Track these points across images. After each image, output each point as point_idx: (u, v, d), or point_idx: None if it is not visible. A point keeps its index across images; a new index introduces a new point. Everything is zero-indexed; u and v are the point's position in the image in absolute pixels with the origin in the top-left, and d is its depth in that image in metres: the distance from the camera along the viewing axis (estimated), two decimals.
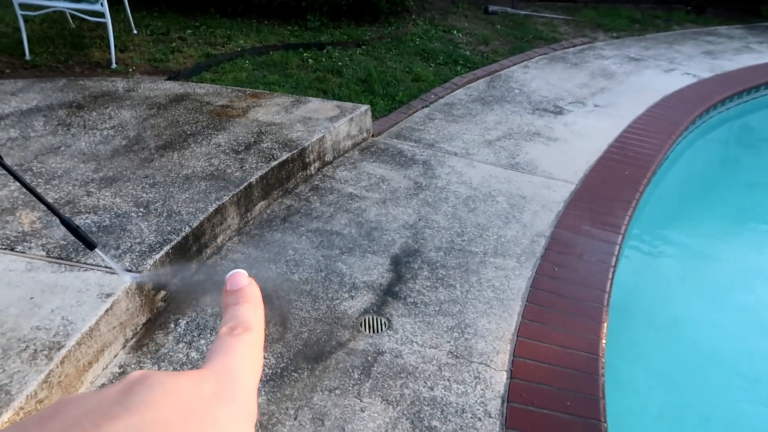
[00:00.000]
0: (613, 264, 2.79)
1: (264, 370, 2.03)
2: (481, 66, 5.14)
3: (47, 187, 2.63)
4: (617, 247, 2.92)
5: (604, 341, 2.32)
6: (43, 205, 1.87)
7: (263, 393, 1.94)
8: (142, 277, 2.13)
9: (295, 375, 2.02)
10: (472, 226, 2.94)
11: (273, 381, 1.99)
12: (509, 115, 4.27)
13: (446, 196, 3.19)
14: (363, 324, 2.27)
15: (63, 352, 1.76)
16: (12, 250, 2.19)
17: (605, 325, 2.41)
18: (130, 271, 2.12)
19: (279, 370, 2.03)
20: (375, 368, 2.07)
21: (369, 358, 2.12)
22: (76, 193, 2.59)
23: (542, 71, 5.21)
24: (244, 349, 0.30)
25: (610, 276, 2.71)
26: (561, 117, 4.29)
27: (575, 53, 5.77)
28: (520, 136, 3.95)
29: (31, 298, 1.96)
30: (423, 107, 4.28)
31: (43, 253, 2.17)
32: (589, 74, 5.20)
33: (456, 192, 3.23)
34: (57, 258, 2.15)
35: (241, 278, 0.34)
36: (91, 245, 1.98)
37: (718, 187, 4.33)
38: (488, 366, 2.12)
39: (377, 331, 2.24)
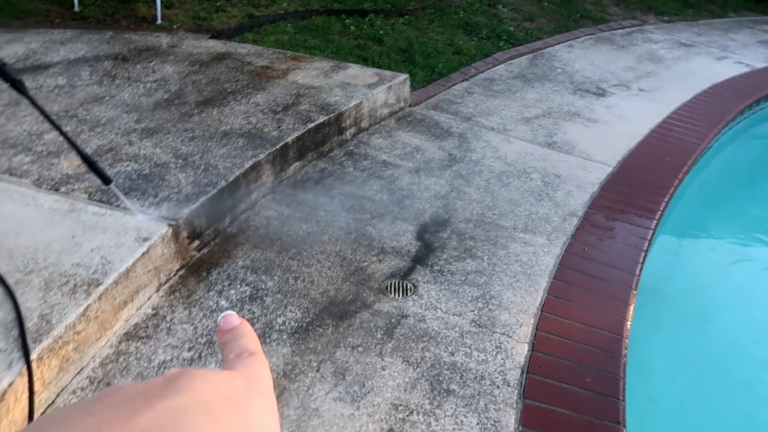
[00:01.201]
0: (644, 248, 2.75)
1: (289, 324, 2.08)
2: (524, 43, 5.05)
3: (91, 134, 2.71)
4: (650, 232, 2.87)
5: (629, 323, 2.31)
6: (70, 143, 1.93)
7: (288, 344, 1.99)
8: (154, 218, 2.17)
9: (320, 330, 2.07)
10: (503, 200, 2.92)
11: (298, 334, 2.04)
12: (550, 94, 4.20)
13: (480, 169, 3.17)
14: (389, 287, 2.30)
15: (101, 289, 1.83)
16: (56, 191, 2.27)
17: (632, 307, 2.39)
18: (166, 218, 2.18)
19: (304, 324, 2.08)
20: (398, 330, 2.10)
21: (393, 320, 2.15)
22: (118, 142, 2.66)
23: (587, 52, 5.09)
24: (256, 366, 0.32)
25: (641, 260, 2.68)
26: (603, 99, 4.20)
27: (623, 35, 5.61)
28: (559, 116, 3.88)
29: (73, 237, 2.03)
30: (462, 80, 4.24)
31: (85, 196, 2.25)
32: (636, 57, 5.06)
33: (490, 166, 3.21)
34: (98, 201, 2.22)
35: (233, 319, 0.35)
36: (107, 180, 2.10)
37: (761, 181, 4.20)
38: (510, 337, 2.13)
39: (402, 296, 2.27)
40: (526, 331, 2.17)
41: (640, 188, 3.20)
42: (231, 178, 2.47)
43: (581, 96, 4.20)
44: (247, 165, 2.58)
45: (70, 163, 2.43)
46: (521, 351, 2.09)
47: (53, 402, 1.69)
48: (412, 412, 1.81)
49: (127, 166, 2.48)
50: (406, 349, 2.03)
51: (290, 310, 2.13)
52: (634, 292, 2.48)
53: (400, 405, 1.83)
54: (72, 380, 1.76)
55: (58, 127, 2.09)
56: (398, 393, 1.87)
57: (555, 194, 3.02)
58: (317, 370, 1.91)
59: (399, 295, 2.27)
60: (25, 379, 1.57)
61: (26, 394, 1.58)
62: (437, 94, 4.00)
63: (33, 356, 1.59)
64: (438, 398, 1.87)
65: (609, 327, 2.26)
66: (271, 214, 2.63)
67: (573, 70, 4.64)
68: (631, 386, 2.08)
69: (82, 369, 1.80)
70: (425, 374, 1.95)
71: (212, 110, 3.03)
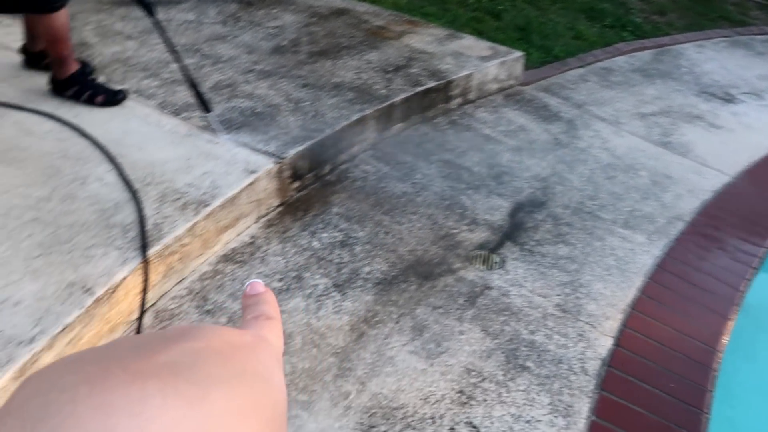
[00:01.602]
0: (754, 266, 2.57)
1: (375, 275, 2.12)
2: (650, 36, 4.77)
3: (212, 69, 2.84)
4: (763, 250, 2.67)
5: (725, 338, 2.17)
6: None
7: (371, 292, 2.03)
8: (246, 143, 2.26)
9: (403, 285, 2.09)
10: (606, 193, 2.81)
11: (381, 285, 2.07)
12: (671, 93, 3.96)
13: (585, 158, 3.06)
14: (476, 258, 2.28)
15: (208, 209, 1.94)
16: (177, 115, 2.41)
17: (731, 323, 2.25)
18: (274, 155, 2.26)
19: (389, 278, 2.11)
20: (480, 300, 2.09)
21: (476, 289, 2.13)
22: (236, 79, 2.78)
23: (719, 54, 4.74)
24: (269, 328, 0.33)
25: (748, 277, 2.50)
26: (730, 105, 3.91)
27: (763, 41, 5.18)
28: (678, 116, 3.66)
29: (187, 159, 2.15)
30: (578, 66, 4.08)
31: (203, 124, 2.37)
32: None
33: (596, 156, 3.09)
34: (213, 131, 2.33)
35: (259, 286, 0.37)
36: (207, 109, 2.25)
37: None
38: (594, 328, 2.07)
39: (489, 268, 2.25)
40: (612, 325, 2.10)
41: (758, 202, 2.98)
42: (337, 128, 2.52)
43: (706, 99, 3.94)
44: (354, 118, 2.62)
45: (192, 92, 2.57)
46: (604, 344, 2.02)
47: (154, 304, 1.81)
48: (484, 379, 1.80)
49: (242, 102, 2.59)
50: (486, 320, 2.02)
51: (377, 262, 2.17)
52: (736, 308, 2.32)
53: (473, 370, 1.83)
54: (173, 288, 1.88)
55: (173, 50, 2.21)
56: (473, 359, 1.87)
57: (663, 195, 2.87)
58: (396, 322, 1.94)
59: (485, 267, 2.25)
60: (136, 276, 1.69)
61: (134, 291, 1.71)
62: (550, 76, 3.87)
63: (139, 261, 1.71)
64: (512, 372, 1.85)
65: (703, 338, 2.14)
66: (370, 169, 2.67)
67: (701, 72, 4.34)
68: (714, 407, 1.96)
69: (182, 279, 1.92)
70: (502, 347, 1.93)
71: (326, 62, 3.09)
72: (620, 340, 2.05)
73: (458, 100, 3.29)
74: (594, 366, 1.93)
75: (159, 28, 2.17)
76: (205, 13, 3.42)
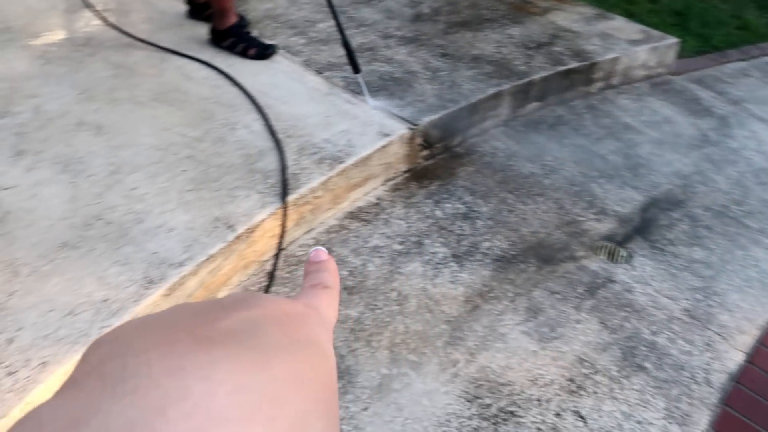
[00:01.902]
0: None
1: (494, 251, 2.10)
2: None
3: (355, 31, 2.90)
4: None
5: None
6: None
7: (489, 268, 2.02)
8: (382, 109, 2.29)
9: (522, 266, 2.06)
10: (756, 199, 2.57)
11: (500, 263, 2.06)
12: None
13: (736, 159, 2.81)
14: (601, 249, 2.19)
15: (341, 166, 2.01)
16: (320, 74, 2.50)
17: None
18: (408, 121, 2.29)
19: (508, 256, 2.09)
20: (601, 292, 2.02)
21: (598, 280, 2.06)
22: (377, 43, 2.83)
23: None
24: (324, 298, 0.33)
25: None
26: None
27: None
28: None
29: (327, 117, 2.24)
30: (740, 59, 3.72)
31: (343, 85, 2.44)
32: None
33: (749, 159, 2.83)
34: (352, 92, 2.40)
35: (322, 254, 0.37)
36: (357, 70, 2.32)
37: None
38: (725, 340, 1.93)
39: (614, 261, 2.15)
40: (746, 340, 1.94)
41: None
42: (472, 101, 2.50)
43: None
44: (490, 92, 2.58)
45: (336, 53, 2.65)
46: (734, 358, 1.88)
47: (284, 248, 1.93)
48: (597, 372, 1.75)
49: (381, 66, 2.64)
50: (605, 312, 1.95)
51: (498, 239, 2.15)
52: None
53: (586, 361, 1.78)
54: (301, 236, 1.99)
55: (333, 11, 2.28)
56: (587, 349, 1.81)
57: None
58: (511, 301, 1.93)
59: (610, 259, 2.16)
60: (272, 220, 1.81)
61: (269, 233, 1.82)
62: (705, 68, 3.57)
63: (278, 206, 1.82)
64: (627, 369, 1.78)
65: None
66: (499, 145, 2.63)
67: None
68: None
69: (310, 230, 2.03)
70: (620, 342, 1.85)
71: (466, 33, 3.06)
72: (753, 357, 1.90)
73: (600, 84, 3.13)
74: (720, 379, 1.81)
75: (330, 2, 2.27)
76: None
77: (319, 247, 0.38)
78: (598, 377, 1.74)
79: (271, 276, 1.81)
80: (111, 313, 1.42)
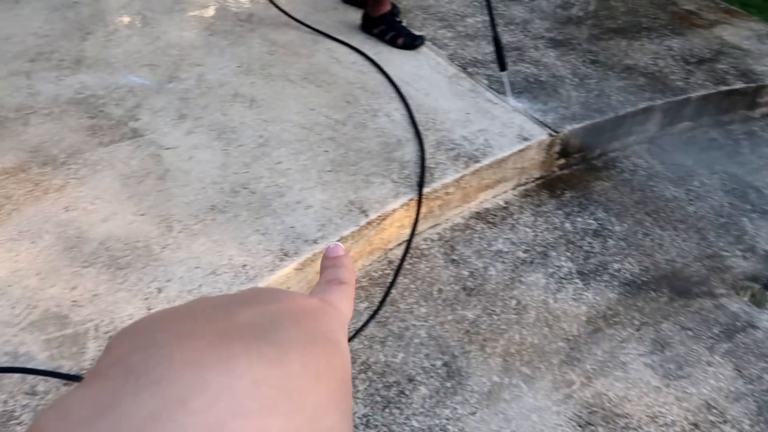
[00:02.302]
0: None
1: (624, 274, 2.00)
2: None
3: (504, 29, 2.85)
4: None
5: None
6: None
7: (616, 291, 1.93)
8: (525, 110, 2.22)
9: (653, 294, 1.94)
10: None
11: (629, 287, 1.95)
12: None
13: None
14: (745, 290, 2.01)
15: (477, 165, 2.00)
16: (464, 69, 2.48)
17: None
18: (549, 127, 2.22)
19: (639, 282, 1.97)
20: (739, 336, 1.86)
21: (737, 323, 1.89)
22: (525, 43, 2.76)
23: None
24: (338, 292, 0.33)
25: None
26: None
27: None
28: None
29: (467, 113, 2.22)
30: None
31: (485, 82, 2.41)
32: None
33: None
34: (495, 91, 2.36)
35: (339, 250, 0.37)
36: (503, 67, 2.27)
37: None
38: None
39: (758, 305, 1.97)
40: None
41: None
42: (620, 113, 2.37)
43: None
44: (640, 106, 2.44)
45: (483, 50, 2.62)
46: None
47: (409, 240, 1.95)
48: (726, 422, 1.62)
49: (527, 68, 2.57)
50: (742, 359, 1.79)
51: (629, 262, 2.04)
52: None
53: (715, 408, 1.65)
54: (427, 230, 2.00)
55: (489, 5, 2.25)
56: (716, 395, 1.68)
57: None
58: (637, 329, 1.82)
59: (753, 303, 1.98)
60: (403, 211, 1.83)
61: (398, 223, 1.85)
62: None
63: (411, 197, 1.84)
64: (762, 425, 1.63)
65: None
66: (642, 163, 2.48)
67: None
68: None
69: (436, 225, 2.03)
70: (756, 394, 1.70)
71: (621, 40, 2.90)
72: None
73: (764, 110, 2.86)
74: None
75: None
76: None
77: (336, 243, 0.38)
78: (726, 428, 1.61)
79: (399, 266, 1.84)
80: (248, 278, 1.52)
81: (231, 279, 1.51)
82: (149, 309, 1.41)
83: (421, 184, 1.85)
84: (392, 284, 1.80)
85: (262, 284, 1.51)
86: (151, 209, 1.68)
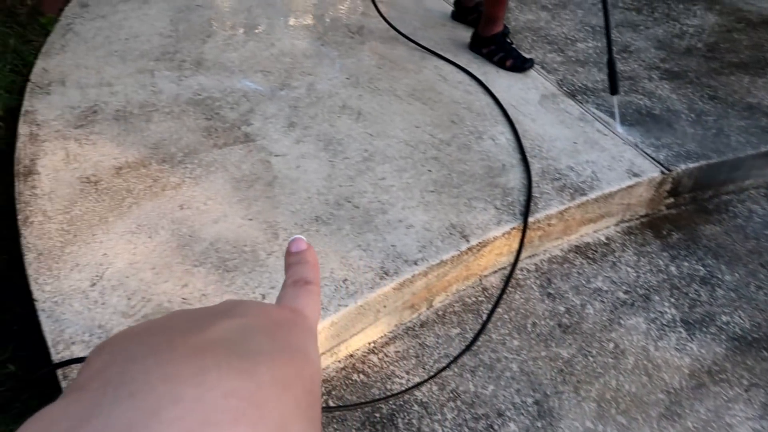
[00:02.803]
0: None
1: (733, 328, 1.87)
2: None
3: (616, 57, 2.73)
4: None
5: None
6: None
7: (723, 345, 1.81)
8: (635, 143, 2.11)
9: (765, 353, 1.81)
10: None
11: (738, 342, 1.82)
12: None
13: None
14: None
15: (582, 198, 1.93)
16: (572, 96, 2.42)
17: None
18: (661, 164, 2.12)
19: (749, 338, 1.84)
20: None
21: None
22: (639, 73, 2.65)
23: None
24: (306, 297, 0.34)
25: None
26: None
27: None
28: None
29: (574, 143, 2.16)
30: None
31: (596, 111, 2.34)
32: None
33: None
34: (605, 122, 2.28)
35: (302, 243, 0.38)
36: (614, 90, 2.22)
37: None
38: None
39: None
40: None
41: None
42: (740, 155, 2.23)
43: None
44: (762, 149, 2.29)
45: (593, 78, 2.54)
46: None
47: (504, 268, 1.91)
48: None
49: (640, 99, 2.47)
50: None
51: (739, 315, 1.91)
52: None
53: None
54: (523, 260, 1.96)
55: (607, 24, 2.17)
56: None
57: None
58: (746, 390, 1.70)
59: None
60: (504, 239, 1.80)
61: (496, 251, 1.82)
62: None
63: (513, 226, 1.80)
64: None
65: None
66: (758, 209, 2.32)
67: None
68: None
69: (533, 255, 1.98)
70: None
71: (743, 76, 2.73)
72: None
73: None
74: None
75: (605, 6, 2.17)
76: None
77: (298, 236, 0.39)
78: None
79: (499, 298, 1.81)
80: (348, 293, 1.53)
81: (332, 292, 1.53)
82: None
83: (526, 215, 1.80)
84: (490, 316, 1.77)
85: (360, 301, 1.53)
86: (259, 215, 1.73)
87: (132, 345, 0.25)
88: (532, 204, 1.87)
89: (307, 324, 0.32)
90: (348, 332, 1.58)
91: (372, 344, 1.69)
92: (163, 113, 2.09)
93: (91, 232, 1.63)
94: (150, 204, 1.73)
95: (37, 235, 1.61)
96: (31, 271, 1.52)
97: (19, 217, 1.67)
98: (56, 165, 1.84)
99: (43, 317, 1.41)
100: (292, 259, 0.38)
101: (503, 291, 1.80)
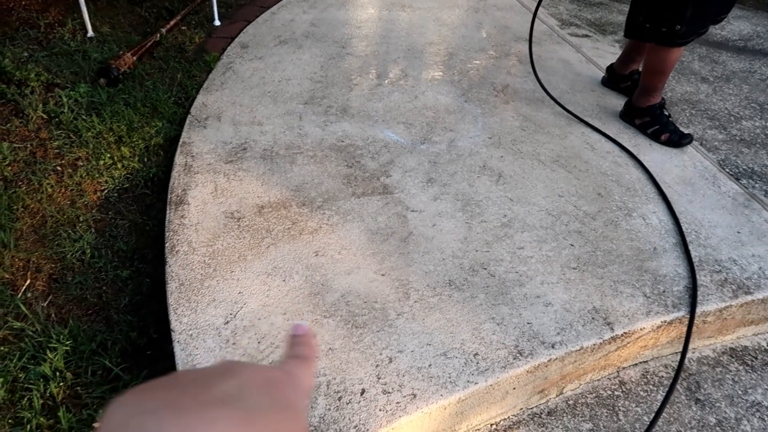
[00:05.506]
0: None
1: None
2: None
3: None
4: None
5: None
6: None
7: None
8: None
9: None
10: None
11: None
12: None
13: None
14: None
15: (747, 298, 1.72)
16: (736, 179, 2.20)
17: None
18: None
19: None
20: None
21: None
22: None
23: None
24: (301, 366, 0.38)
25: None
26: None
27: None
28: None
29: (738, 232, 1.94)
30: None
31: (763, 198, 2.10)
32: None
33: None
34: (761, 202, 2.05)
35: (302, 329, 0.42)
36: None
37: None
38: None
39: None
40: None
41: None
42: None
43: None
44: None
45: (756, 160, 2.30)
46: None
47: (645, 361, 1.73)
48: None
49: None
50: None
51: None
52: None
53: None
54: (668, 355, 1.76)
55: None
56: None
57: None
58: None
59: None
60: (652, 332, 1.63)
61: (640, 343, 1.65)
62: None
63: (664, 319, 1.63)
64: None
65: None
66: None
67: None
68: None
69: (677, 352, 1.78)
70: None
71: None
72: None
73: None
74: None
75: None
76: None
77: (300, 322, 0.43)
78: None
79: (660, 409, 1.62)
80: (479, 370, 1.44)
81: (461, 366, 1.44)
82: (378, 377, 1.40)
83: (693, 307, 1.63)
84: (652, 425, 1.59)
85: (491, 380, 1.42)
86: (392, 271, 1.69)
87: (148, 400, 0.28)
88: (687, 297, 1.69)
89: (299, 384, 0.36)
90: (473, 410, 1.47)
91: (494, 425, 1.57)
92: (307, 156, 2.14)
93: (230, 268, 1.67)
94: (287, 247, 1.75)
95: (181, 264, 1.68)
96: (171, 300, 1.57)
97: (167, 244, 1.75)
98: (205, 197, 1.93)
99: (177, 349, 1.45)
100: (293, 340, 0.42)
101: (664, 403, 1.60)
